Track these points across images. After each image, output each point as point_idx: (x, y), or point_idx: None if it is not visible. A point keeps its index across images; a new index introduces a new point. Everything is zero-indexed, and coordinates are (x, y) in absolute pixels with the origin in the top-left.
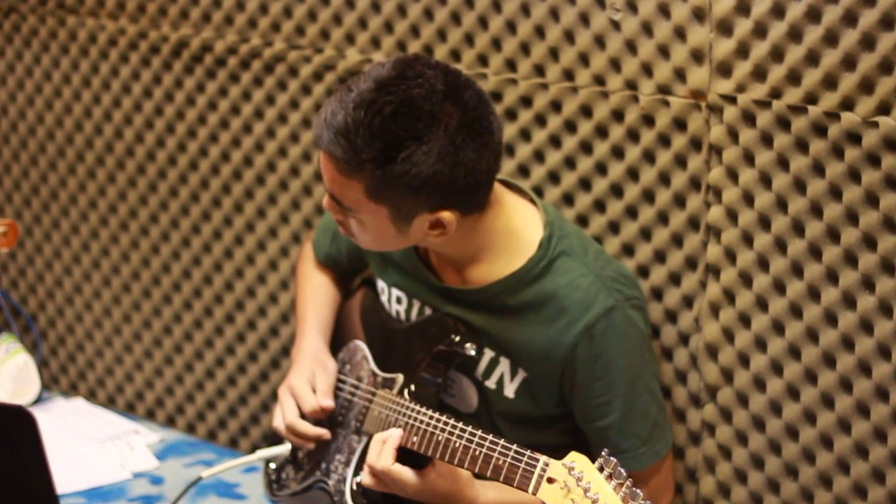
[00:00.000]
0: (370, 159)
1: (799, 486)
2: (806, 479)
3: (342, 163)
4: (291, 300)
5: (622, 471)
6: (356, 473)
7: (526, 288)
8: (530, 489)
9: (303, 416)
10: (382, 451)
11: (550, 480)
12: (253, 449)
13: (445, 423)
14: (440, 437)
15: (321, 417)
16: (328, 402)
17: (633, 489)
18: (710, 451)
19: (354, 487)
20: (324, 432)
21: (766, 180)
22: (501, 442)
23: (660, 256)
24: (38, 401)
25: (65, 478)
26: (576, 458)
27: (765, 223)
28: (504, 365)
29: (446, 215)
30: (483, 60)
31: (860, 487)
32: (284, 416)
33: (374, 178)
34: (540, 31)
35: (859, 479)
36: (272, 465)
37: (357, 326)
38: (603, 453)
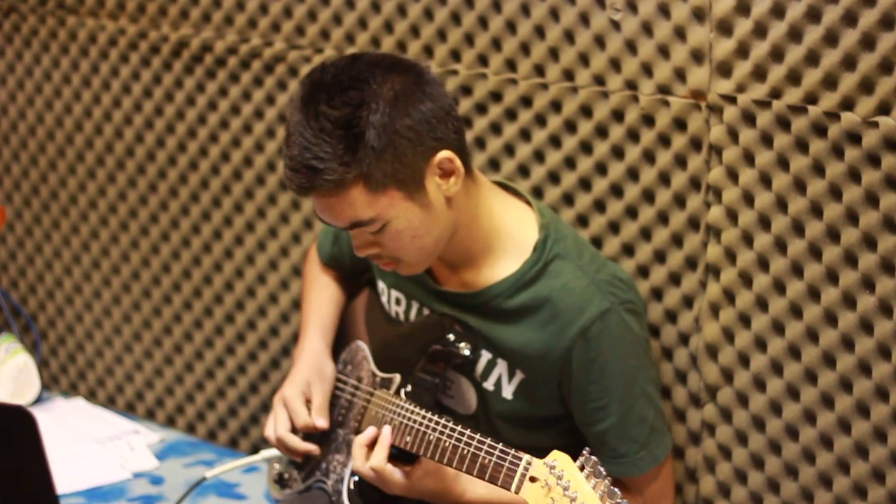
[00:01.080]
0: (345, 153)
1: (799, 486)
2: (806, 479)
3: (330, 183)
4: (292, 300)
5: (602, 469)
6: (353, 473)
7: (521, 291)
8: (513, 488)
9: (295, 430)
10: (375, 450)
11: (533, 479)
12: (253, 449)
13: (437, 423)
14: (431, 437)
15: (313, 433)
16: (322, 423)
17: (611, 488)
18: (710, 451)
19: (352, 487)
20: (312, 448)
21: (766, 180)
22: (488, 441)
23: (660, 256)
24: (38, 401)
25: (65, 478)
26: (557, 457)
27: (765, 223)
28: (502, 366)
29: (444, 155)
30: (483, 60)
31: (860, 487)
32: (276, 428)
33: (363, 166)
34: (540, 31)
35: (859, 479)
36: (276, 465)
37: (360, 326)
38: (584, 452)
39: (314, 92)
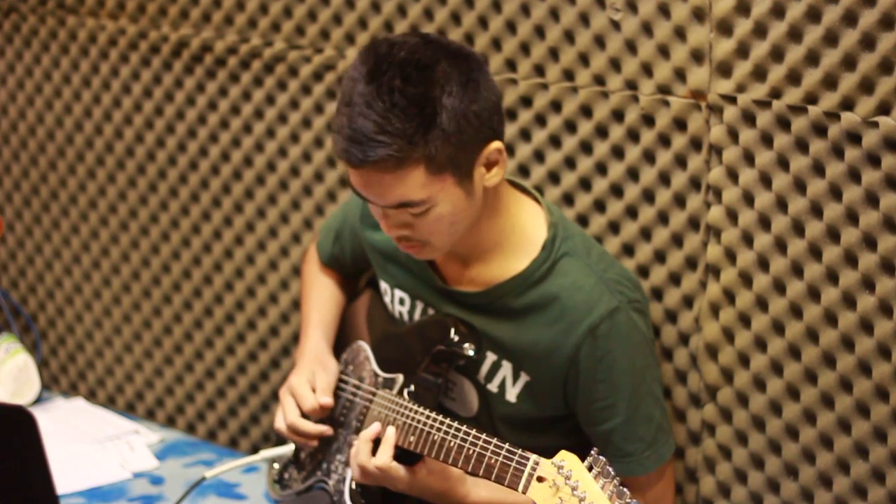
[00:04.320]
0: (416, 131)
1: (799, 486)
2: (806, 479)
3: (394, 159)
4: (292, 300)
5: (610, 469)
6: None
7: (529, 290)
8: (520, 488)
9: (304, 415)
10: (380, 448)
11: (540, 479)
12: (253, 449)
13: (441, 423)
14: (436, 437)
15: (322, 416)
16: (327, 400)
17: (621, 487)
18: (710, 451)
19: (353, 487)
20: (325, 429)
21: (766, 180)
22: (494, 441)
23: (660, 256)
24: (38, 401)
25: (65, 478)
26: (565, 457)
27: (765, 223)
28: (506, 369)
29: (496, 145)
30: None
31: (860, 487)
32: (286, 416)
33: (431, 147)
34: (540, 31)
35: (859, 479)
36: (276, 466)
37: (361, 327)
38: (592, 452)
39: (384, 66)
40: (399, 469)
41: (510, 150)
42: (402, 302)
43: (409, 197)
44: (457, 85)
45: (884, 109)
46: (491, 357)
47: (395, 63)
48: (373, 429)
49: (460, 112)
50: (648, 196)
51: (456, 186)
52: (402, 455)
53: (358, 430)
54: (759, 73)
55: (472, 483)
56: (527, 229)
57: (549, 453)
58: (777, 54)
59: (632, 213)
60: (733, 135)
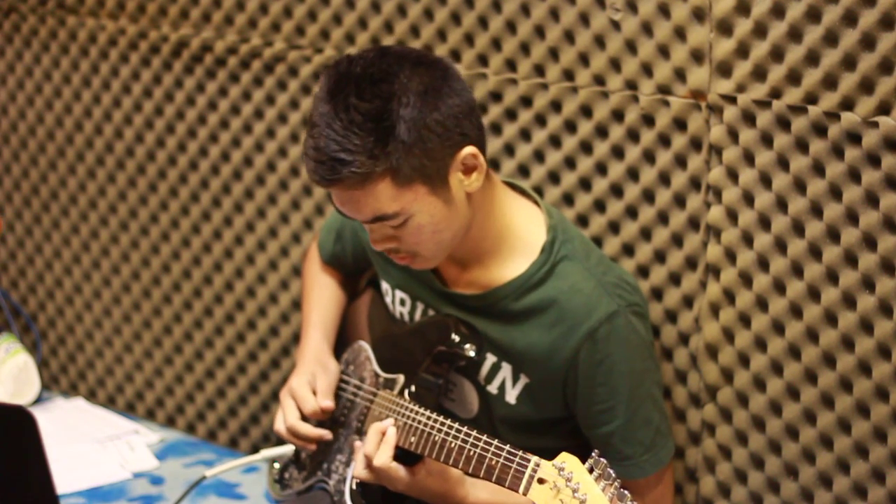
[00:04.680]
0: (375, 146)
1: (799, 486)
2: (806, 479)
3: (358, 175)
4: (292, 300)
5: (611, 472)
6: None
7: (528, 293)
8: (521, 489)
9: (304, 418)
10: (380, 448)
11: (541, 481)
12: (253, 449)
13: (442, 424)
14: (437, 438)
15: (322, 418)
16: (328, 403)
17: (622, 490)
18: (710, 451)
19: (354, 487)
20: (324, 433)
21: (766, 180)
22: (495, 442)
23: (660, 256)
24: (38, 401)
25: (65, 478)
26: (566, 459)
27: (765, 223)
28: (506, 370)
29: (469, 150)
30: (483, 60)
31: (860, 487)
32: (285, 418)
33: (392, 160)
34: (540, 31)
35: (859, 479)
36: (276, 466)
37: (363, 327)
38: (593, 454)
39: (342, 84)
40: (398, 469)
41: (510, 150)
42: (402, 303)
43: (382, 210)
44: (414, 95)
45: (884, 109)
46: (491, 359)
47: (351, 80)
48: (387, 422)
49: (419, 122)
50: (648, 196)
51: (430, 195)
52: (402, 456)
53: (359, 431)
54: (759, 73)
55: (472, 484)
56: (525, 232)
57: (549, 455)
58: (777, 54)
59: (632, 213)
60: (733, 135)
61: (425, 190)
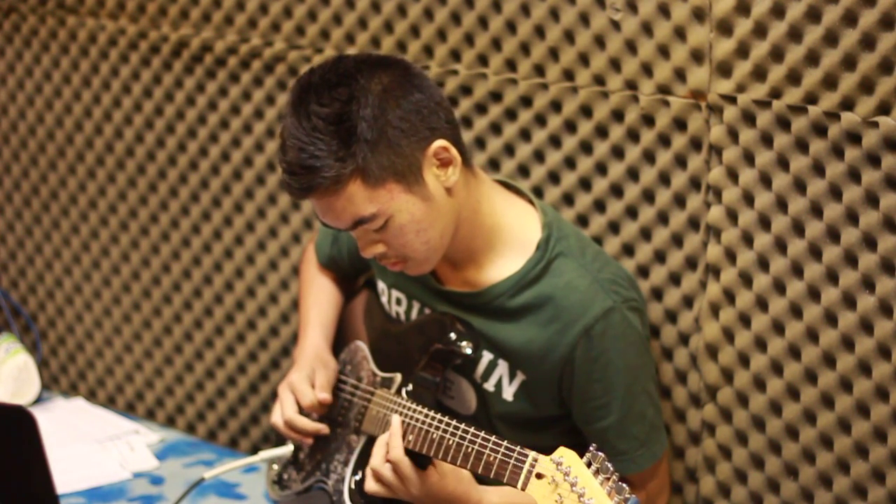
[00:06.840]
0: (339, 148)
1: (799, 486)
2: (806, 479)
3: (328, 181)
4: (292, 300)
5: (609, 465)
6: (354, 473)
7: (524, 290)
8: (519, 484)
9: (302, 412)
10: (390, 440)
11: (539, 476)
12: (253, 449)
13: (440, 422)
14: (435, 435)
15: (320, 413)
16: (326, 396)
17: (619, 483)
18: (710, 451)
19: (353, 486)
20: (322, 427)
21: (766, 180)
22: (493, 439)
23: (660, 256)
24: (38, 401)
25: (65, 478)
26: (564, 454)
27: (765, 223)
28: (503, 367)
29: (439, 144)
30: (483, 60)
31: (860, 487)
32: (283, 411)
33: (359, 160)
34: (540, 31)
35: (859, 479)
36: (275, 466)
37: (359, 327)
38: (591, 448)
39: (303, 94)
40: (410, 466)
41: (510, 150)
42: (399, 302)
43: (359, 214)
44: (373, 95)
45: (884, 109)
46: (487, 356)
47: (311, 89)
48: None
49: (381, 119)
50: (648, 196)
51: (406, 193)
52: (410, 459)
53: (357, 430)
54: (759, 73)
55: (484, 491)
56: (519, 230)
57: (547, 452)
58: (777, 54)
59: (632, 213)
60: (733, 135)
61: (400, 188)
